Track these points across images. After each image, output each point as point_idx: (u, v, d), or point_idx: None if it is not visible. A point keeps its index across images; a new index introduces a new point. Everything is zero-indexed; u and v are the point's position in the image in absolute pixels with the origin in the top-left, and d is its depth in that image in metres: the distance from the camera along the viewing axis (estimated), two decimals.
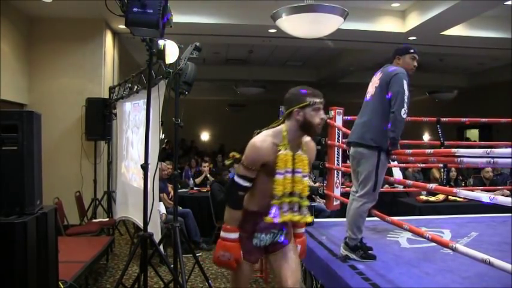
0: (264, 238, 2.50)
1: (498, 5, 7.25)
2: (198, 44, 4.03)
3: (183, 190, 7.04)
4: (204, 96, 17.24)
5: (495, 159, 2.11)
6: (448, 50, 9.98)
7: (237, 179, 2.40)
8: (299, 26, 5.33)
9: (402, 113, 3.07)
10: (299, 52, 11.52)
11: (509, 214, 4.97)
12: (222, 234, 2.43)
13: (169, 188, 6.24)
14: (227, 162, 2.58)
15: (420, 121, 5.25)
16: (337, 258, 3.35)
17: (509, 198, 2.25)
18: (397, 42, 8.73)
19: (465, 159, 2.35)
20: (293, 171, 2.38)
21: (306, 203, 2.47)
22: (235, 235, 2.41)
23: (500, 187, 6.23)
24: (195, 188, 7.33)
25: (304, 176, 2.43)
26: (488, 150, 2.14)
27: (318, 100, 2.43)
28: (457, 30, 8.39)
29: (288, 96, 2.53)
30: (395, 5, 7.98)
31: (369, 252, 3.30)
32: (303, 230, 2.71)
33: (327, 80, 14.08)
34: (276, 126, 2.48)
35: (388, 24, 8.25)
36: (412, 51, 3.35)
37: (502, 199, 2.15)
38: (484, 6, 7.14)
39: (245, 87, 14.73)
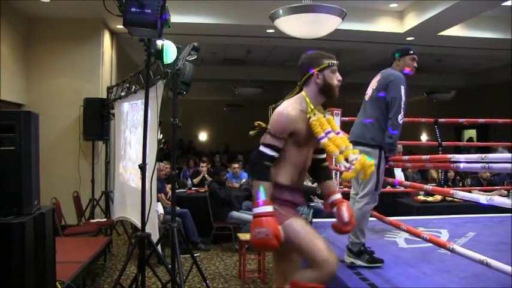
0: (305, 211, 2.44)
1: (496, 6, 7.26)
2: (196, 44, 4.03)
3: (181, 190, 7.04)
4: (202, 97, 17.24)
5: (490, 165, 2.11)
6: (445, 51, 10.00)
7: (263, 148, 2.26)
8: (297, 26, 5.34)
9: (399, 119, 3.09)
10: (297, 52, 11.50)
11: (507, 214, 4.99)
12: (254, 210, 2.19)
13: (167, 188, 6.24)
14: (251, 132, 2.42)
15: (418, 122, 5.27)
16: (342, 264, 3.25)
17: (506, 198, 2.26)
18: (395, 43, 8.77)
19: (461, 165, 2.36)
20: (334, 132, 2.32)
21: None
22: (268, 208, 2.17)
23: (497, 187, 6.25)
24: (193, 188, 7.34)
25: (338, 133, 2.37)
26: (483, 155, 2.15)
27: (334, 61, 2.37)
28: (455, 31, 8.41)
29: (303, 61, 2.42)
30: (394, 5, 7.99)
31: (374, 256, 3.22)
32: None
33: None
34: (293, 95, 2.42)
35: (386, 25, 8.26)
36: (411, 52, 3.36)
37: (498, 200, 2.16)
38: (482, 7, 7.16)
39: (243, 87, 14.72)
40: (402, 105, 3.10)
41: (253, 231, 2.14)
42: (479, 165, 2.17)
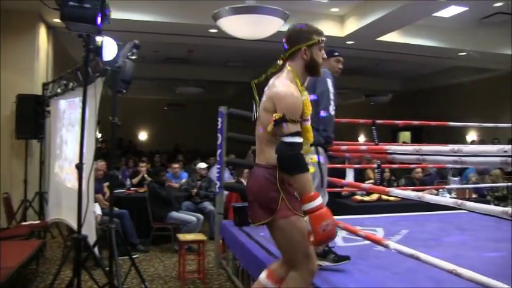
0: None
1: (429, 15, 7.67)
2: (137, 41, 3.95)
3: (120, 190, 6.87)
4: (142, 95, 16.93)
5: (424, 157, 2.23)
6: (384, 55, 10.38)
7: (290, 139, 2.08)
8: (240, 27, 5.36)
9: (330, 110, 3.12)
10: (240, 53, 11.55)
11: (435, 212, 5.26)
12: (310, 205, 2.06)
13: (105, 188, 6.07)
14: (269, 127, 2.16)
15: (356, 123, 5.43)
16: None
17: (437, 196, 2.38)
18: (336, 46, 8.96)
19: (397, 156, 2.46)
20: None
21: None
22: (320, 199, 2.09)
23: (428, 187, 6.56)
24: (132, 189, 7.18)
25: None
26: (418, 147, 2.26)
27: (324, 38, 2.28)
28: (393, 37, 8.77)
29: (292, 33, 2.32)
30: (335, 9, 8.21)
31: (339, 254, 3.19)
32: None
33: (267, 81, 14.21)
34: (276, 70, 2.35)
35: (327, 28, 8.40)
36: (336, 54, 3.42)
37: (430, 197, 2.27)
38: (417, 16, 7.53)
39: (185, 86, 14.60)
40: (332, 97, 3.12)
41: (319, 226, 2.03)
42: (414, 156, 2.27)
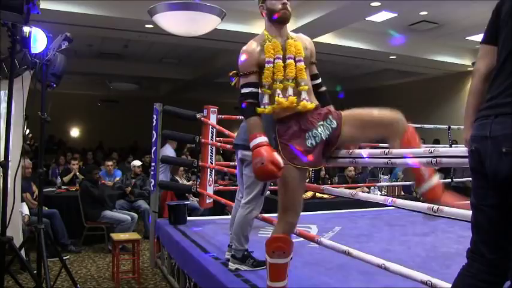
0: (317, 133, 2.32)
1: (361, 19, 7.96)
2: (68, 34, 3.79)
3: (50, 189, 6.57)
4: (74, 90, 16.27)
5: (356, 159, 2.30)
6: (319, 56, 10.59)
7: (241, 90, 2.32)
8: (176, 23, 5.28)
9: None
10: (176, 49, 11.42)
11: (367, 209, 5.47)
12: (250, 144, 2.24)
13: (34, 187, 5.79)
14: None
15: None
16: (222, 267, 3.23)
17: (369, 194, 2.48)
18: None
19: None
20: (284, 58, 2.33)
21: (305, 88, 2.35)
22: (260, 139, 2.19)
23: (360, 184, 6.80)
24: (63, 187, 6.89)
25: (298, 61, 2.36)
26: (350, 151, 2.33)
27: None
28: (327, 39, 9.00)
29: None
30: None
31: (258, 259, 3.16)
32: None
33: (203, 78, 14.15)
34: None
35: (263, 27, 8.51)
36: None
37: (362, 195, 2.35)
38: (349, 19, 7.79)
39: (119, 82, 14.24)
40: None
41: (255, 162, 2.16)
42: (347, 160, 2.35)
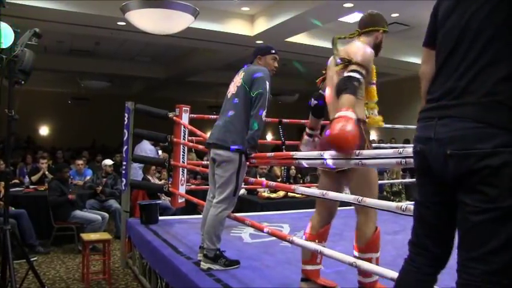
0: None
1: (334, 20, 8.04)
2: (37, 30, 3.70)
3: (17, 189, 6.42)
4: (44, 88, 15.94)
5: (327, 161, 2.33)
6: (292, 56, 10.69)
7: (350, 73, 2.36)
8: (149, 21, 5.23)
9: (263, 116, 3.05)
10: (148, 48, 11.30)
11: (339, 208, 5.51)
12: (337, 114, 2.18)
13: (0, 186, 5.64)
14: (338, 68, 2.52)
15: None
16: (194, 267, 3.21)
17: (340, 193, 2.51)
18: (245, 45, 9.12)
19: (303, 162, 2.54)
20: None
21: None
22: (351, 114, 2.16)
23: None
24: (31, 187, 6.73)
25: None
26: (322, 152, 2.35)
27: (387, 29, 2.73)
28: (300, 39, 9.06)
29: (375, 14, 2.72)
30: (245, 9, 8.30)
31: (230, 258, 3.16)
32: None
33: (176, 77, 14.05)
34: (350, 37, 2.69)
35: (237, 27, 8.53)
36: (273, 51, 3.32)
37: (333, 194, 2.38)
38: (322, 20, 7.85)
39: (90, 80, 14.00)
40: (266, 101, 3.06)
41: (333, 127, 2.11)
42: (319, 161, 2.37)
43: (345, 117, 2.13)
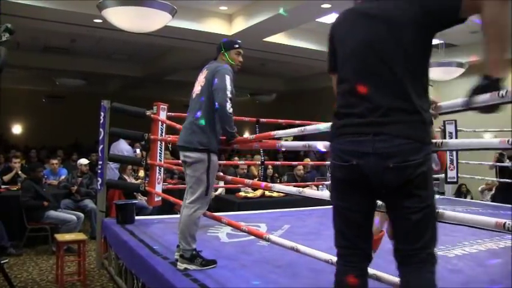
0: None
1: (312, 20, 8.09)
2: (9, 25, 3.62)
3: None
4: (17, 85, 15.61)
5: (309, 143, 2.43)
6: (269, 56, 10.70)
7: None
8: (126, 19, 5.18)
9: (228, 108, 3.01)
10: (126, 46, 11.17)
11: (315, 207, 5.56)
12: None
13: None
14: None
15: (241, 120, 5.51)
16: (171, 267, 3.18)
17: (316, 191, 2.53)
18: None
19: (284, 143, 2.58)
20: None
21: None
22: None
23: (309, 183, 6.91)
24: (3, 187, 6.59)
25: None
26: (302, 128, 2.38)
27: None
28: (278, 38, 9.08)
29: None
30: (223, 8, 8.28)
31: (206, 258, 3.15)
32: None
33: (153, 76, 13.94)
34: None
35: (215, 26, 8.51)
36: (237, 46, 3.29)
37: (309, 192, 2.41)
38: (300, 20, 7.88)
39: (65, 78, 13.79)
40: (229, 95, 3.02)
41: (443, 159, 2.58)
42: (301, 143, 2.42)
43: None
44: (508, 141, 1.54)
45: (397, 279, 1.92)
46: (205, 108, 3.11)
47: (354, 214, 1.75)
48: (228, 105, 3.02)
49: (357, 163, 1.63)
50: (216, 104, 3.03)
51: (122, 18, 5.17)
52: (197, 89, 3.23)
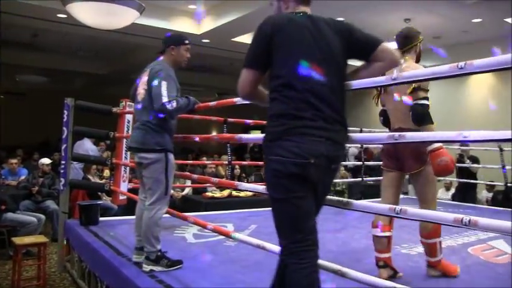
0: None
1: None
2: None
3: None
4: None
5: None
6: (237, 55, 10.68)
7: (424, 101, 2.72)
8: (92, 15, 5.08)
9: (170, 107, 2.92)
10: (92, 42, 10.93)
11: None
12: (433, 146, 2.68)
13: None
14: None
15: (209, 120, 5.48)
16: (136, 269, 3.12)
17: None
18: (192, 43, 9.03)
19: (244, 136, 2.83)
20: None
21: None
22: (438, 144, 2.68)
23: None
24: None
25: None
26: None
27: None
28: (247, 38, 9.08)
29: (412, 32, 3.02)
30: (192, 7, 8.22)
31: (172, 259, 3.11)
32: None
33: (120, 73, 13.71)
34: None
35: (184, 25, 8.44)
36: (187, 42, 3.27)
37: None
38: None
39: (26, 74, 13.39)
40: (164, 100, 2.91)
41: (436, 161, 2.67)
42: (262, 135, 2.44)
43: (443, 151, 2.68)
44: (461, 134, 1.57)
45: (362, 275, 1.99)
46: (153, 112, 3.05)
47: (308, 202, 1.84)
48: (169, 106, 2.91)
49: (314, 162, 1.76)
50: (156, 110, 2.97)
51: (87, 13, 5.07)
52: (142, 90, 3.15)
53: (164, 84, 2.96)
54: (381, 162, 3.21)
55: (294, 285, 1.81)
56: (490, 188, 8.04)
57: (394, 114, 3.05)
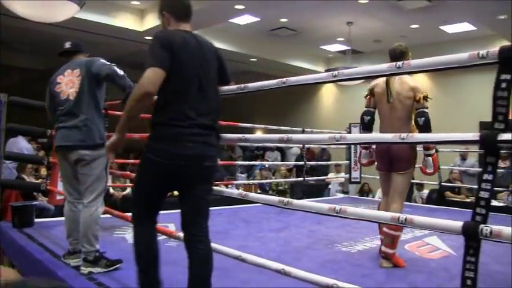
0: None
1: (225, 21, 8.15)
2: None
3: None
4: None
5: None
6: None
7: (427, 110, 3.19)
8: (27, 6, 4.84)
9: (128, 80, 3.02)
10: (29, 35, 10.46)
11: (226, 207, 5.58)
12: (430, 152, 3.36)
13: None
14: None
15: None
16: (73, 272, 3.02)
17: (224, 189, 2.56)
18: (134, 40, 8.86)
19: None
20: None
21: None
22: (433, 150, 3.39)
23: (218, 182, 6.94)
24: None
25: None
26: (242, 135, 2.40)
27: None
28: None
29: (404, 47, 3.40)
30: (135, 3, 8.06)
31: (111, 259, 3.05)
32: None
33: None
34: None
35: (126, 21, 8.26)
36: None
37: (216, 189, 2.43)
38: (214, 20, 7.90)
39: None
40: (118, 71, 3.08)
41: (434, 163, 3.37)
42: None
43: (436, 155, 3.37)
44: (400, 136, 1.65)
45: (305, 273, 2.02)
46: (91, 107, 3.05)
47: (158, 190, 2.52)
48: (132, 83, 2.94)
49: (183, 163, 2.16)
50: (126, 87, 2.96)
51: (22, 5, 4.82)
52: (71, 89, 3.11)
53: (115, 65, 3.08)
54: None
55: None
56: (419, 187, 8.45)
57: (390, 121, 3.36)
